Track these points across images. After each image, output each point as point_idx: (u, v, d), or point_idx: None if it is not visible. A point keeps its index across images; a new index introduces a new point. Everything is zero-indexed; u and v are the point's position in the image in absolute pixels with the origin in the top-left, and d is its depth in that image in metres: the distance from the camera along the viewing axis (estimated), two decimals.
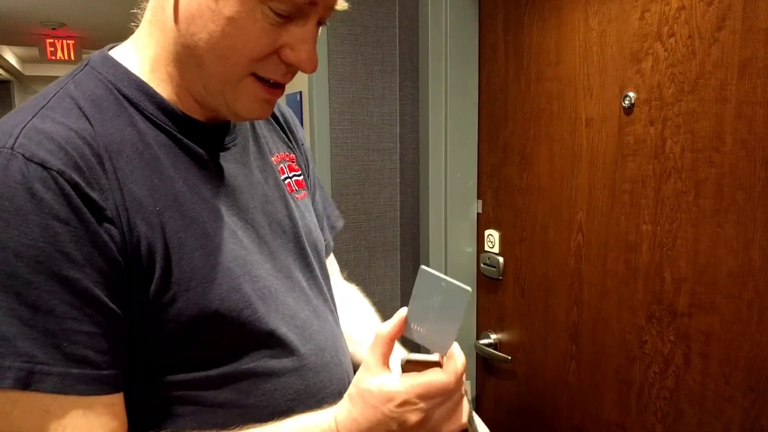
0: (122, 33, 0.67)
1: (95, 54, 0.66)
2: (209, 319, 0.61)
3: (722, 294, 1.06)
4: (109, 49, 0.67)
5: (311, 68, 0.61)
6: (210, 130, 0.67)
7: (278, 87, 0.64)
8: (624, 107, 1.22)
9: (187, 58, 0.61)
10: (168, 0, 0.60)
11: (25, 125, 0.56)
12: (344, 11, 0.64)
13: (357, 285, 0.99)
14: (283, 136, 0.84)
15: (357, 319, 0.93)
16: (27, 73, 8.09)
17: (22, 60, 7.81)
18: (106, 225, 0.55)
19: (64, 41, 5.49)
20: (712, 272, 1.08)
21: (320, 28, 0.63)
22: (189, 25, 0.59)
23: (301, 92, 1.83)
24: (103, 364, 0.55)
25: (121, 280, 0.57)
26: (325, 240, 0.89)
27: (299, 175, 0.83)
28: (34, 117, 0.57)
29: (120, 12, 4.38)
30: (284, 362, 0.66)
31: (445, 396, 0.58)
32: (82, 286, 0.54)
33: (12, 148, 0.53)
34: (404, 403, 0.56)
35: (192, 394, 0.62)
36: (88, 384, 0.54)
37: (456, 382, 0.57)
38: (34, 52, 6.75)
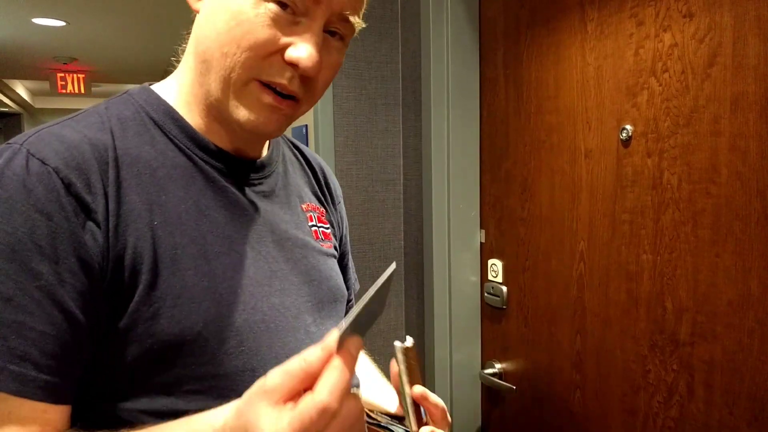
0: (131, 67, 0.71)
1: (136, 86, 0.70)
2: (192, 340, 0.58)
3: (722, 323, 1.07)
4: (150, 84, 0.71)
5: (311, 65, 0.59)
6: (235, 161, 0.68)
7: (288, 98, 0.62)
8: (622, 140, 1.25)
9: (201, 66, 0.63)
10: (197, 10, 0.63)
11: (43, 129, 0.60)
12: (348, 50, 0.66)
13: None
14: (317, 189, 0.84)
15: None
16: (37, 105, 8.25)
17: (32, 93, 7.96)
18: (91, 225, 0.56)
19: (75, 75, 5.62)
20: (712, 301, 1.09)
21: (339, 43, 0.64)
22: (203, 27, 0.62)
23: (306, 125, 1.88)
24: (46, 368, 0.53)
25: (95, 285, 0.56)
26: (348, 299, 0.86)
27: (327, 228, 0.81)
28: (56, 125, 0.61)
29: (130, 47, 4.49)
30: None
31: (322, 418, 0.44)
32: (48, 282, 0.53)
33: (22, 144, 0.57)
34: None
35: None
36: (23, 384, 0.52)
37: (333, 401, 0.45)
38: (44, 85, 6.89)
